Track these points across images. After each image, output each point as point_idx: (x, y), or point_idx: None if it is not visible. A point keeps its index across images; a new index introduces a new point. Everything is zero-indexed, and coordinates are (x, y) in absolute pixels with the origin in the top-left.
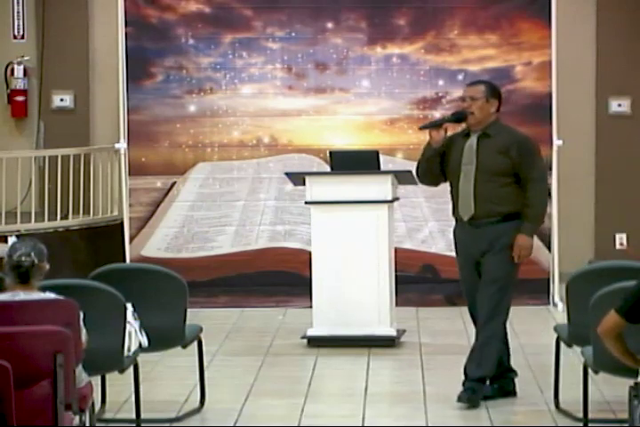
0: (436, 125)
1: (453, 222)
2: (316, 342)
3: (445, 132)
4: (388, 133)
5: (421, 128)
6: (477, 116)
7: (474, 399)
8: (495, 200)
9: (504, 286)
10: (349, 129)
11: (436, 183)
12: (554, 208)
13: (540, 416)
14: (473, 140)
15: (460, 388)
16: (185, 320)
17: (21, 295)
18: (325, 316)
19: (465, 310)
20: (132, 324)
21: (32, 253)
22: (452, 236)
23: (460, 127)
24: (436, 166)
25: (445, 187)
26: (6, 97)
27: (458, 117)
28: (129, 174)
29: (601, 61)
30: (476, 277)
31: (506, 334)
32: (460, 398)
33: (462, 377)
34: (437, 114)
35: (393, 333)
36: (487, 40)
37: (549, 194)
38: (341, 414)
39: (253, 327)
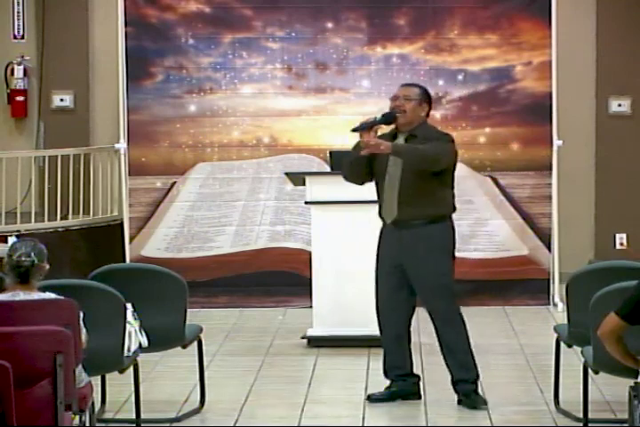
0: (366, 127)
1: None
2: (316, 342)
3: (376, 133)
4: None
5: (353, 131)
6: (408, 116)
7: (475, 402)
8: (419, 203)
9: (447, 289)
10: (349, 129)
11: (361, 183)
12: (554, 208)
13: (540, 416)
14: (400, 140)
15: None
16: (185, 320)
17: (21, 295)
18: (325, 316)
19: (465, 309)
20: (132, 324)
21: (32, 253)
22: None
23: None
24: (362, 167)
25: None
26: (6, 97)
27: (388, 119)
28: (129, 174)
29: (601, 61)
30: (393, 280)
31: (405, 339)
32: (460, 402)
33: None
34: (437, 114)
35: None
36: (487, 40)
37: (428, 160)
38: (341, 414)
39: (253, 327)
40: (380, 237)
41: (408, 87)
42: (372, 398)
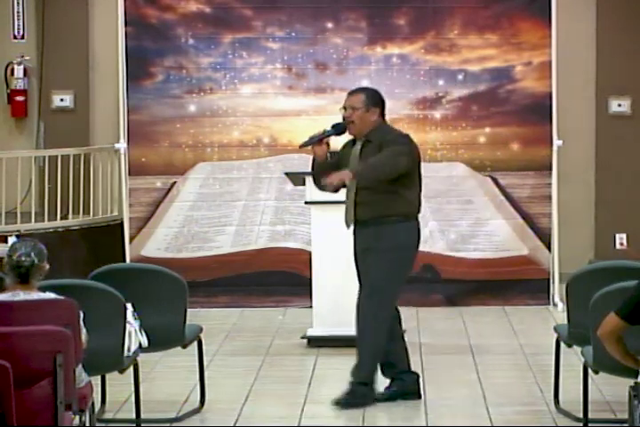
0: (316, 141)
1: (453, 222)
2: (316, 342)
3: (328, 145)
4: None
5: (301, 146)
6: (358, 126)
7: (351, 403)
8: (373, 205)
9: (382, 291)
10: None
11: (335, 190)
12: (554, 208)
13: (540, 416)
14: (358, 147)
15: (459, 388)
16: (185, 320)
17: (21, 295)
18: (325, 316)
19: (465, 309)
20: (132, 324)
21: (32, 253)
22: (452, 235)
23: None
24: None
25: (447, 186)
26: (6, 97)
27: (338, 130)
28: (129, 174)
29: (601, 61)
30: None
31: (397, 337)
32: (336, 402)
33: (463, 377)
34: (437, 114)
35: None
36: (487, 40)
37: (382, 174)
38: (341, 414)
39: (253, 327)
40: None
41: (352, 96)
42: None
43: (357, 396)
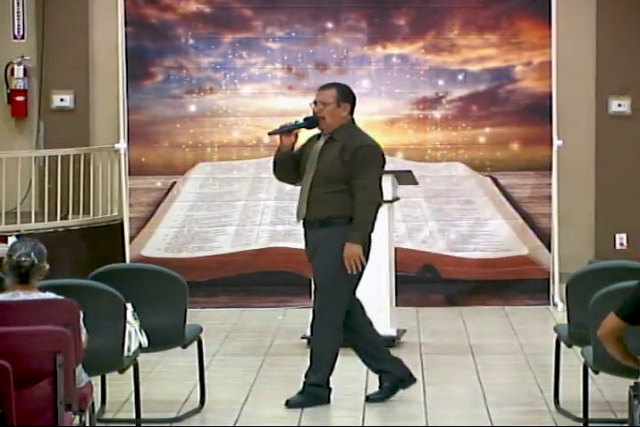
0: (285, 131)
1: (453, 222)
2: None
3: (296, 137)
4: (388, 133)
5: (270, 134)
6: (328, 121)
7: (302, 403)
8: (324, 205)
9: (328, 292)
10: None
11: (292, 182)
12: (554, 208)
13: (540, 416)
14: (320, 143)
15: (459, 388)
16: (185, 320)
17: (21, 295)
18: None
19: (465, 309)
20: (132, 324)
21: (32, 253)
22: (452, 235)
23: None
24: (287, 167)
25: (447, 186)
26: (6, 97)
27: (310, 123)
28: (129, 174)
29: (601, 61)
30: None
31: (365, 329)
32: (287, 401)
33: (463, 377)
34: (437, 114)
35: (393, 333)
36: (487, 40)
37: (379, 204)
38: (341, 414)
39: (253, 327)
40: None
41: (324, 91)
42: (370, 399)
43: (310, 397)
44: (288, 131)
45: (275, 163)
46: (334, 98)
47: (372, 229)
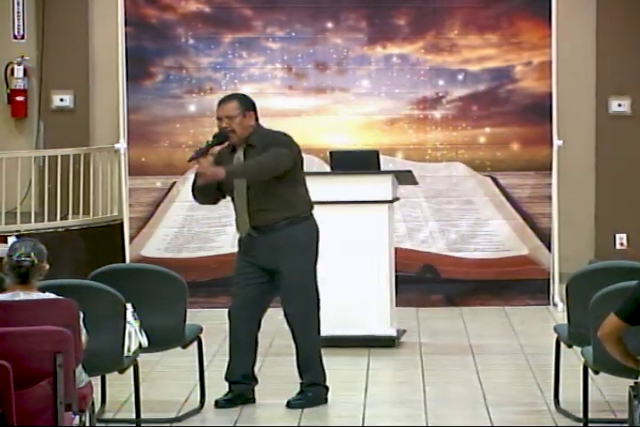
0: (202, 154)
1: (454, 222)
2: None
3: (213, 156)
4: (388, 133)
5: (190, 160)
6: (238, 133)
7: (303, 404)
8: (271, 208)
9: (312, 292)
10: (349, 129)
11: (214, 203)
12: (554, 208)
13: (540, 416)
14: (240, 153)
15: (459, 388)
16: (185, 320)
17: (21, 295)
18: (325, 316)
19: (465, 309)
20: (132, 324)
21: (32, 253)
22: (452, 235)
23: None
24: (209, 191)
25: (447, 186)
26: (6, 97)
27: (220, 139)
28: (129, 174)
29: (601, 61)
30: (253, 283)
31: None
32: (287, 402)
33: (463, 377)
34: (437, 114)
35: (393, 333)
36: (487, 40)
37: (261, 175)
38: (341, 414)
39: None
40: (239, 246)
41: (225, 105)
42: (218, 404)
43: (310, 397)
44: (204, 153)
45: (196, 189)
46: (239, 109)
47: (240, 176)
